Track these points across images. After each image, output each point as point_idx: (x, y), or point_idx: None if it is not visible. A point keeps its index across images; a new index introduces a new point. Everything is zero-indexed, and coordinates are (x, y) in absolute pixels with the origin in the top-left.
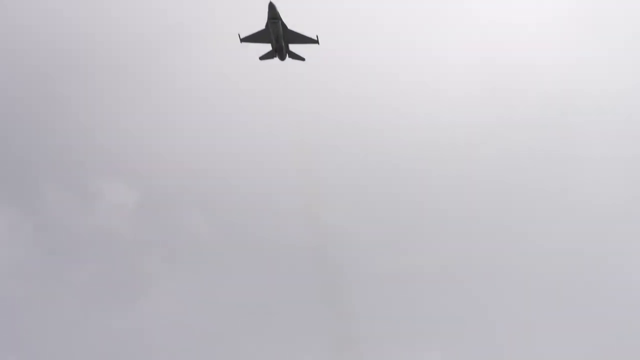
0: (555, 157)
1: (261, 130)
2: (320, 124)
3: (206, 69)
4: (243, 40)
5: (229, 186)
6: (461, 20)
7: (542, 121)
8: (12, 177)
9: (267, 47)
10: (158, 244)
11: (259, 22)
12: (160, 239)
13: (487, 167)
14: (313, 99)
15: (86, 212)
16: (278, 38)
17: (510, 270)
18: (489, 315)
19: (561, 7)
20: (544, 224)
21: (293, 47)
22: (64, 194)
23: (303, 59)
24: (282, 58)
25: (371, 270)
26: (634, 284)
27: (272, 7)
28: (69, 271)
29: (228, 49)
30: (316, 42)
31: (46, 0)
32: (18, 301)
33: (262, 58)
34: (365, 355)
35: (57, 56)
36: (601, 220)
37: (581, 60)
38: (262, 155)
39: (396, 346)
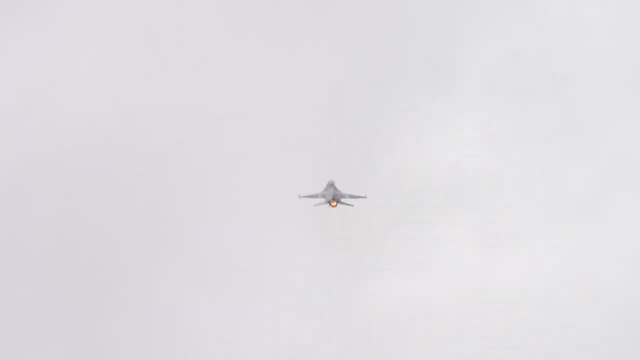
0: None
1: None
2: None
3: None
4: (301, 197)
5: None
6: None
7: None
8: None
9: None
10: None
11: None
12: None
13: None
14: None
15: None
16: (336, 196)
17: None
18: None
19: None
20: None
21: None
22: None
23: (352, 205)
24: (335, 206)
25: None
26: None
27: (331, 184)
28: None
29: None
30: (364, 197)
31: None
32: None
33: (316, 205)
34: None
35: None
36: None
37: None
38: None
39: None
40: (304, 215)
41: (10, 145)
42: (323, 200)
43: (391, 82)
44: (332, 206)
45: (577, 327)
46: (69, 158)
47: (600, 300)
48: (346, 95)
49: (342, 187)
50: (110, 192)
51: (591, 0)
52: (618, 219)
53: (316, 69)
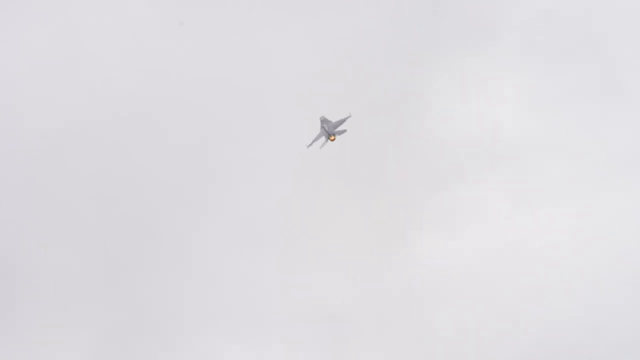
0: None
1: None
2: None
3: None
4: (308, 146)
5: None
6: None
7: None
8: None
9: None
10: None
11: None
12: None
13: None
14: None
15: None
16: (328, 130)
17: None
18: None
19: None
20: None
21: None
22: None
23: (345, 131)
24: (334, 139)
25: None
26: None
27: (323, 119)
28: None
29: None
30: (349, 116)
31: None
32: None
33: (321, 146)
34: None
35: None
36: None
37: None
38: None
39: None
40: (340, 176)
41: (47, 114)
42: (323, 138)
43: (428, 42)
44: (332, 140)
45: (614, 286)
46: (108, 124)
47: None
48: (383, 55)
49: (332, 118)
50: (149, 156)
51: None
52: None
53: (353, 29)
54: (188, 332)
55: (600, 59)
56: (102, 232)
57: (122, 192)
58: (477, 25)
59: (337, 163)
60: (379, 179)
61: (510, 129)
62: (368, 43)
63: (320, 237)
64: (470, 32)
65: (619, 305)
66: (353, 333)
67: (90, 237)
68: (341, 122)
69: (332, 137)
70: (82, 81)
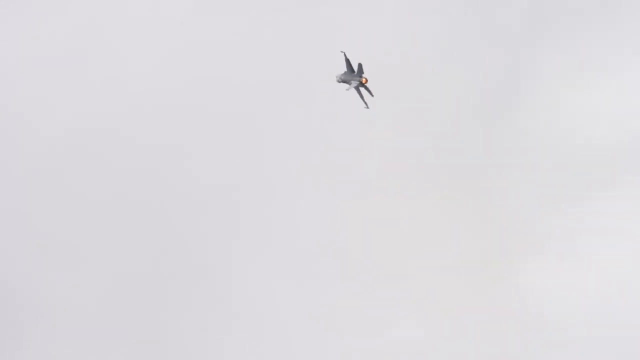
0: None
1: None
2: None
3: None
4: (366, 107)
5: None
6: None
7: None
8: None
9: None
10: None
11: None
12: None
13: None
14: None
15: None
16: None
17: None
18: None
19: None
20: None
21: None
22: None
23: (360, 64)
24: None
25: None
26: None
27: (341, 78)
28: None
29: None
30: (344, 52)
31: None
32: None
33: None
34: None
35: None
36: None
37: None
38: None
39: None
40: (431, 190)
41: (66, 109)
42: (362, 89)
43: (536, 19)
44: (365, 82)
45: None
46: (136, 123)
47: None
48: (488, 37)
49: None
50: (189, 162)
51: None
52: None
53: (455, 7)
54: None
55: None
56: (138, 261)
57: (161, 210)
58: None
59: (425, 173)
60: (480, 194)
61: None
62: (472, 23)
63: (406, 266)
64: (592, 4)
65: None
66: None
67: (124, 267)
68: (348, 62)
69: (364, 80)
70: (87, 84)
